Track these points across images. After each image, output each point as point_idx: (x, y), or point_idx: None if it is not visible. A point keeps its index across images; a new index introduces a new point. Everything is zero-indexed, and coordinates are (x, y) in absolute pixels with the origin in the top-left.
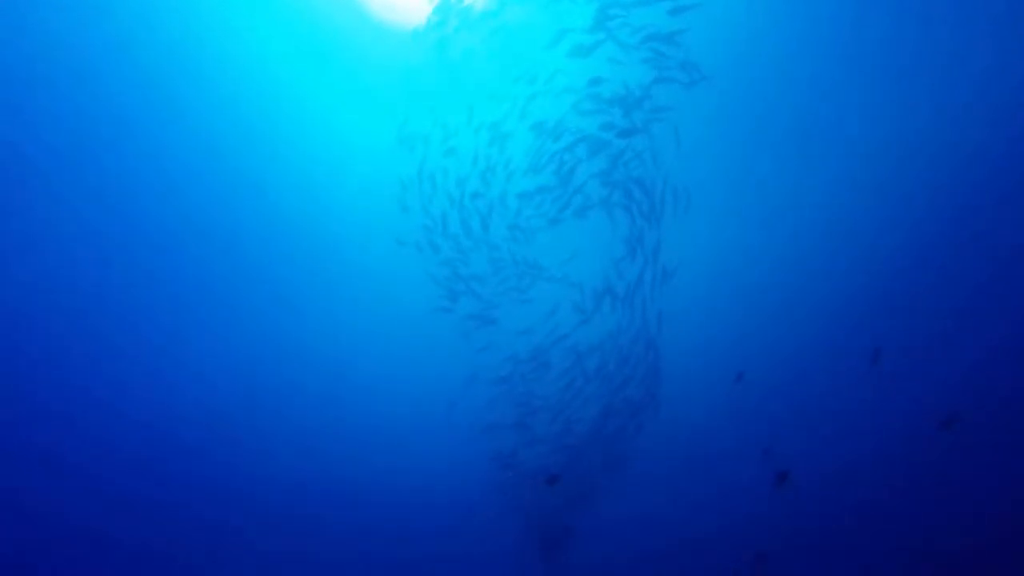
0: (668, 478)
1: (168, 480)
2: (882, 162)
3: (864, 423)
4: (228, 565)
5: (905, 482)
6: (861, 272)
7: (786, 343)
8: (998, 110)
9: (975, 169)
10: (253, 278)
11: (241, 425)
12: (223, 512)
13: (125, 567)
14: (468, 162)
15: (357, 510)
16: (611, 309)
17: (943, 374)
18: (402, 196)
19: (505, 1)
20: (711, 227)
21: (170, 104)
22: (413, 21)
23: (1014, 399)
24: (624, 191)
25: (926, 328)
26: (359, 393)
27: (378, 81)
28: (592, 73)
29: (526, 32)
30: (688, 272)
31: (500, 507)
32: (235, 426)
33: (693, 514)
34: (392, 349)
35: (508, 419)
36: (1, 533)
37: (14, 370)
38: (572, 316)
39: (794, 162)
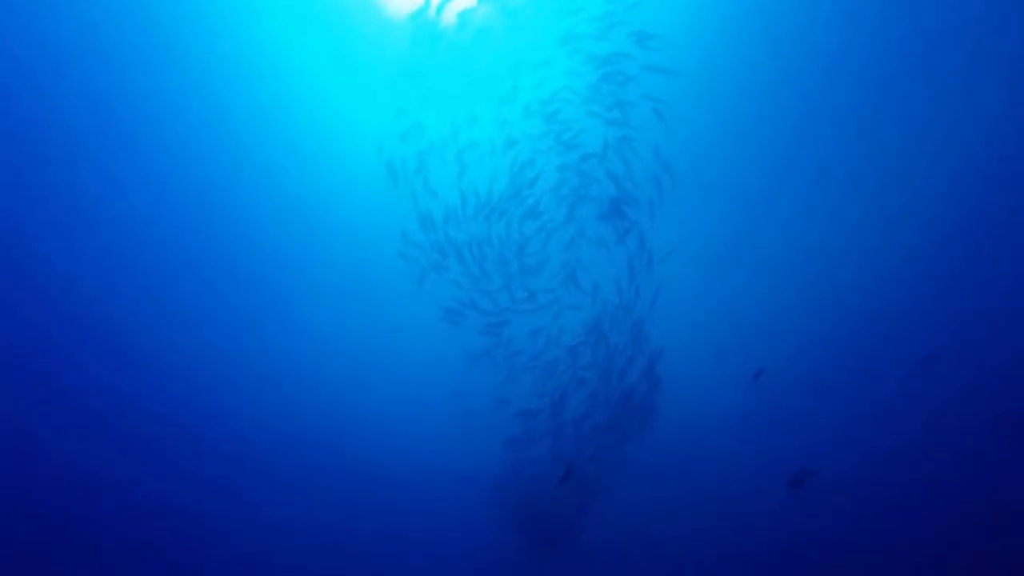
0: (674, 477)
1: (166, 482)
2: (913, 155)
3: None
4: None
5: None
6: (888, 266)
7: (799, 337)
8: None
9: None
10: (247, 279)
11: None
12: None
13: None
14: (454, 184)
15: (350, 501)
16: (606, 303)
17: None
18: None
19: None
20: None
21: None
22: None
23: None
24: (615, 190)
25: (957, 325)
26: (358, 393)
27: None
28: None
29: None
30: (693, 265)
31: (499, 502)
32: (235, 424)
33: (699, 515)
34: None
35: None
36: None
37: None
38: (570, 317)
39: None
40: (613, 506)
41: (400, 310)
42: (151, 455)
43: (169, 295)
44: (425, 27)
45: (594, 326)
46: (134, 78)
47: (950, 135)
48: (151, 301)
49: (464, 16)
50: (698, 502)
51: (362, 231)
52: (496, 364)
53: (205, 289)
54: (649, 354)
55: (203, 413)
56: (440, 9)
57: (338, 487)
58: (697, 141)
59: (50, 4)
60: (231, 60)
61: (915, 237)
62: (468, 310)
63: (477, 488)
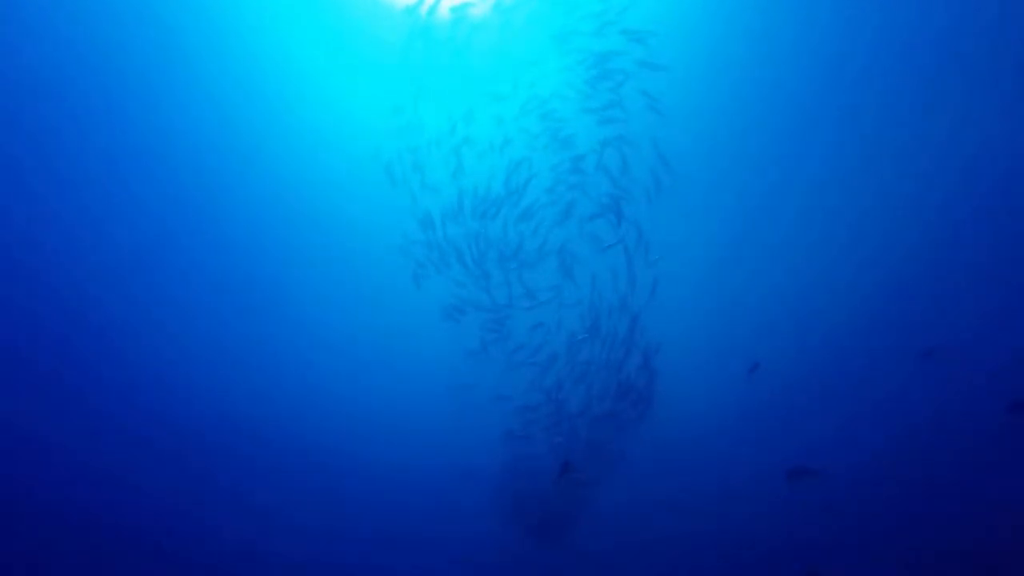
0: (671, 470)
1: (166, 478)
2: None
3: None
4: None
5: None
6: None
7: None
8: None
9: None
10: (247, 276)
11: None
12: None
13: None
14: (452, 181)
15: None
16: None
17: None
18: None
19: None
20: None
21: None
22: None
23: None
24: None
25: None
26: (356, 384)
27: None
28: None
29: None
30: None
31: (498, 496)
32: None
33: (696, 509)
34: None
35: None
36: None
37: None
38: (568, 312)
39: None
40: (611, 499)
41: (399, 307)
42: (150, 453)
43: (167, 293)
44: (420, 23)
45: (592, 322)
46: (125, 73)
47: (953, 130)
48: (149, 299)
49: (458, 12)
50: (696, 496)
51: (360, 228)
52: (494, 360)
53: (206, 286)
54: (646, 349)
55: (203, 409)
56: (434, 7)
57: (337, 481)
58: (696, 137)
59: None
60: (227, 56)
61: (916, 233)
62: (467, 307)
63: (476, 482)
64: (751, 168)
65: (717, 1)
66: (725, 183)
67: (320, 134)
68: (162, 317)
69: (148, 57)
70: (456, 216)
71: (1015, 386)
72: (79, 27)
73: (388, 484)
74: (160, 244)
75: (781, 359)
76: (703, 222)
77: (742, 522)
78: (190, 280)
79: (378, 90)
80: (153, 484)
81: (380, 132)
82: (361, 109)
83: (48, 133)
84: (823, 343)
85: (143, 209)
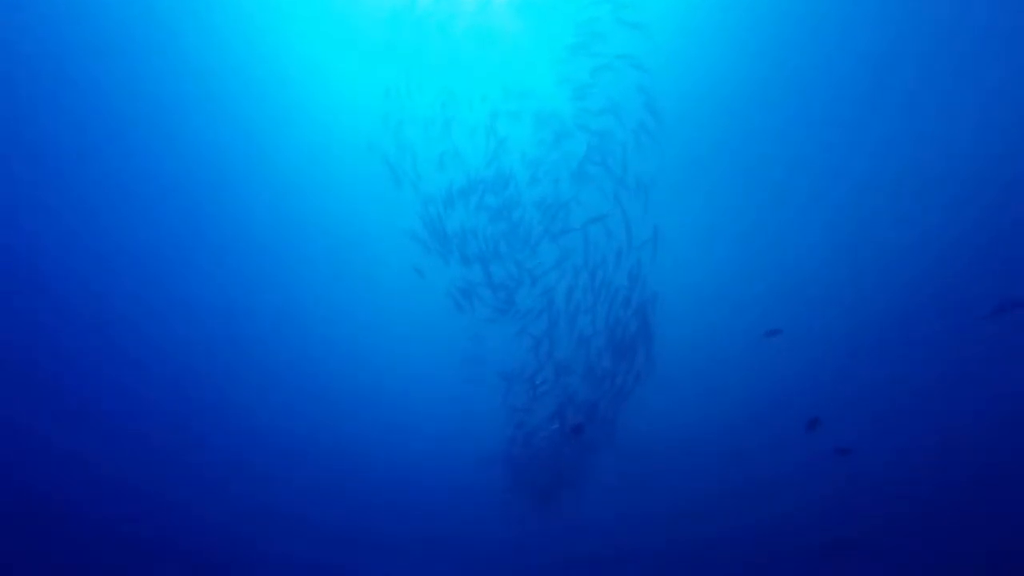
0: (670, 435)
1: (172, 468)
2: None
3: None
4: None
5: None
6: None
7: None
8: None
9: None
10: (254, 269)
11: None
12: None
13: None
14: (448, 166)
15: (355, 467)
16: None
17: None
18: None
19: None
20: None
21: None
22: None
23: None
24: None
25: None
26: (364, 362)
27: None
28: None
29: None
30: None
31: (493, 457)
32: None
33: (698, 472)
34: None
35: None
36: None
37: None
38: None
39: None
40: (613, 465)
41: (403, 293)
42: (154, 449)
43: (165, 289)
44: (405, 7)
45: (590, 286)
46: (109, 63)
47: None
48: (148, 296)
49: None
50: (697, 462)
51: (359, 216)
52: (498, 334)
53: (211, 278)
54: (645, 310)
55: (216, 397)
56: None
57: (348, 460)
58: (692, 97)
59: None
60: (220, 47)
61: (930, 184)
62: (471, 287)
63: (482, 454)
64: (750, 127)
65: None
66: (721, 142)
67: (315, 125)
68: (164, 314)
69: (134, 50)
70: (451, 197)
71: None
72: (69, 11)
73: (399, 460)
74: (156, 240)
75: (787, 319)
76: (703, 182)
77: (743, 486)
78: (190, 272)
79: (368, 74)
80: (157, 480)
81: (373, 116)
82: (351, 93)
83: (39, 121)
84: (830, 301)
85: (133, 208)
